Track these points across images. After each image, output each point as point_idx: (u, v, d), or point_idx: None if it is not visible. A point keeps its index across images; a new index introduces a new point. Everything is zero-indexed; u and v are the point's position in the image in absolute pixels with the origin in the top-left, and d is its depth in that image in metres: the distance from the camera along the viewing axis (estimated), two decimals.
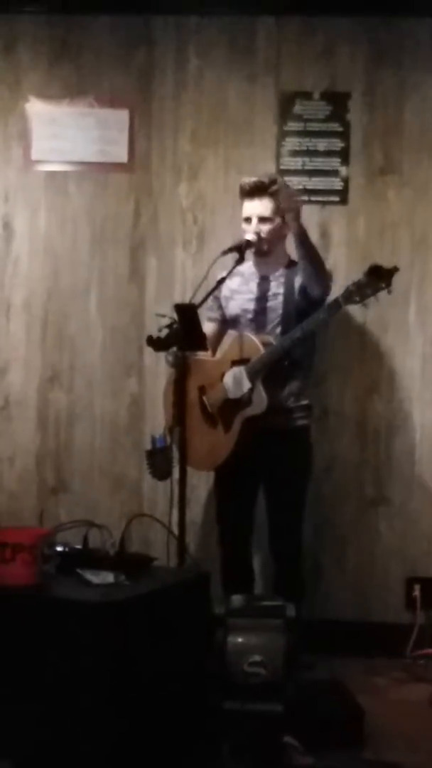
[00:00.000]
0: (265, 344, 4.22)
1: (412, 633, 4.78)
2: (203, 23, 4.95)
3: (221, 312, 4.50)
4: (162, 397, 4.57)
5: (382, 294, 3.99)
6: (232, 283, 4.41)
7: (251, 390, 4.20)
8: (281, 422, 4.28)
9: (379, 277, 3.96)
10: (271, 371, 4.21)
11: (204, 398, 4.39)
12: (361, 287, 4.00)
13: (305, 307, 4.27)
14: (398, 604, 4.91)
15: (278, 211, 4.29)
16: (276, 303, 4.34)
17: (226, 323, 4.48)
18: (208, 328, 4.43)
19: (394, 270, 3.98)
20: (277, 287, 4.36)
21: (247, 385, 4.21)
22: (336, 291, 4.19)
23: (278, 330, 4.31)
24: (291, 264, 4.38)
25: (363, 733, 3.69)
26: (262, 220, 4.30)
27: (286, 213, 4.14)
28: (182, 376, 3.93)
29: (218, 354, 4.45)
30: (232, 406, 4.27)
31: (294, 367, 4.30)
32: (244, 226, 4.34)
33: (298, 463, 4.39)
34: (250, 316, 4.38)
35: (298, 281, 4.32)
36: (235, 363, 4.28)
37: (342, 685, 3.99)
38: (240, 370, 4.23)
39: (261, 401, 4.18)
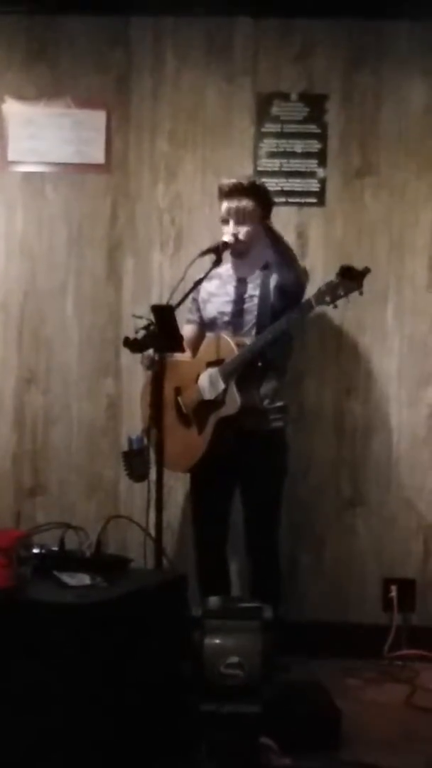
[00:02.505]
0: (239, 345, 4.22)
1: (389, 634, 4.80)
2: (180, 24, 4.95)
3: (200, 314, 4.50)
4: (140, 399, 4.57)
5: (358, 295, 4.01)
6: (209, 286, 4.41)
7: (225, 391, 4.20)
8: (256, 423, 4.28)
9: (350, 278, 3.99)
10: (246, 372, 4.22)
11: (179, 399, 4.39)
12: (333, 288, 4.02)
13: (282, 307, 4.28)
14: (375, 605, 4.92)
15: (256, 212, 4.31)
16: (252, 305, 4.35)
17: (205, 325, 4.49)
18: (188, 330, 4.44)
19: (366, 271, 4.01)
20: (253, 289, 4.36)
21: (221, 386, 4.21)
22: (311, 292, 4.19)
23: (254, 332, 4.31)
24: (267, 265, 4.39)
25: (340, 734, 3.68)
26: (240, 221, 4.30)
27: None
28: (159, 377, 3.91)
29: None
30: (207, 407, 4.27)
31: (269, 368, 4.30)
32: (222, 227, 4.34)
33: (273, 465, 4.39)
34: (227, 318, 4.39)
35: (273, 282, 4.33)
36: (210, 364, 4.28)
37: (319, 686, 4.00)
38: (214, 371, 4.24)
39: (234, 402, 4.19)
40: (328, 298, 4.04)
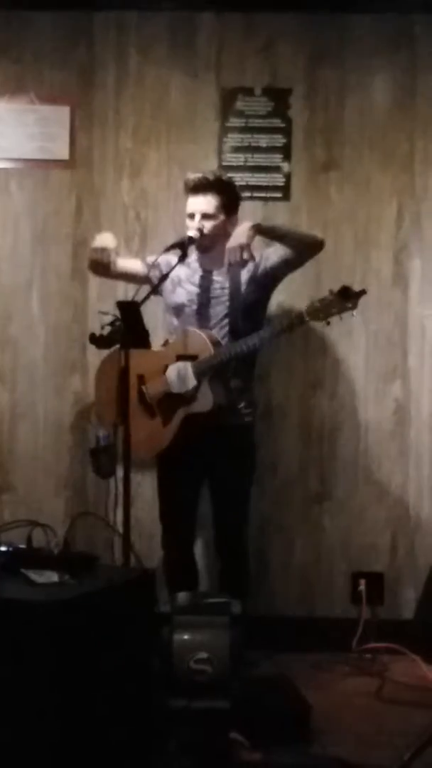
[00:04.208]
0: (213, 343, 4.21)
1: (358, 627, 4.80)
2: (144, 19, 4.94)
3: (159, 284, 4.42)
4: (94, 383, 4.58)
5: (351, 316, 4.04)
6: (180, 270, 4.39)
7: (196, 388, 4.19)
8: (225, 419, 4.27)
9: (346, 298, 3.99)
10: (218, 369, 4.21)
11: (143, 388, 4.37)
12: (328, 305, 4.02)
13: (255, 300, 4.34)
14: (344, 599, 4.93)
15: (221, 207, 4.31)
16: (221, 299, 4.34)
17: (170, 310, 4.46)
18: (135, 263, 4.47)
19: (363, 293, 4.03)
20: (223, 282, 4.35)
21: (192, 382, 4.20)
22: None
23: (224, 323, 4.31)
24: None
25: (310, 728, 3.70)
26: (205, 216, 4.30)
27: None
28: (125, 373, 3.89)
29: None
30: (174, 400, 4.25)
31: (238, 364, 4.29)
32: (188, 222, 4.34)
33: (242, 460, 4.39)
34: (195, 306, 4.37)
35: (245, 276, 4.33)
36: (180, 357, 4.26)
37: (288, 681, 4.00)
38: (185, 366, 4.21)
39: (206, 400, 4.18)
40: (321, 315, 4.04)
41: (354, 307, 4.02)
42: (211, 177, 4.33)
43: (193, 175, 4.35)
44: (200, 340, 4.23)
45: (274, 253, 4.35)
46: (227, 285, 4.34)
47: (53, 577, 3.33)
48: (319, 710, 3.81)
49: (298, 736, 3.63)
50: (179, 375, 4.23)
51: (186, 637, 3.65)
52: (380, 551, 4.96)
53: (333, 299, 4.01)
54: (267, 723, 3.60)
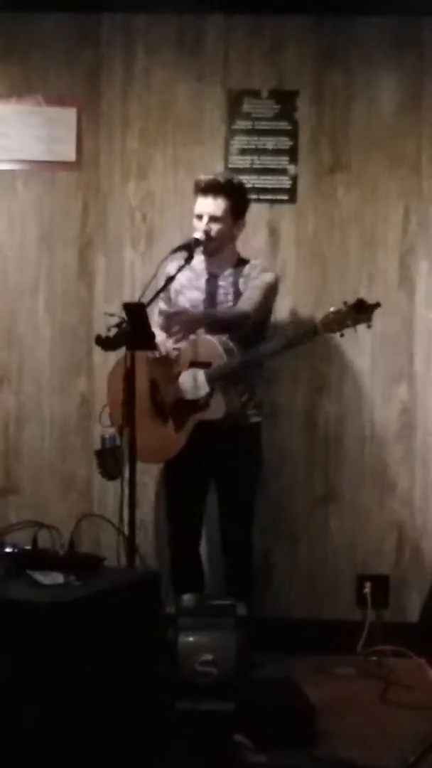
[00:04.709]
0: (226, 350, 4.20)
1: (363, 630, 4.80)
2: (151, 21, 4.93)
3: (171, 304, 4.47)
4: (106, 387, 4.54)
5: (366, 327, 4.07)
6: (182, 278, 4.39)
7: (209, 395, 4.18)
8: (234, 419, 4.27)
9: (360, 311, 4.01)
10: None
11: (156, 393, 4.36)
12: (342, 318, 4.03)
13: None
14: (349, 602, 4.93)
15: (230, 210, 4.31)
16: (225, 305, 4.34)
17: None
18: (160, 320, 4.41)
19: (377, 306, 4.04)
20: (227, 288, 4.35)
21: (205, 389, 4.18)
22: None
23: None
24: (240, 263, 4.38)
25: (315, 730, 3.69)
26: (213, 218, 4.30)
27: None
28: (131, 375, 3.88)
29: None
30: (187, 406, 4.24)
31: (247, 369, 4.29)
32: (195, 223, 4.34)
33: (249, 460, 4.40)
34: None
35: (242, 283, 4.34)
36: (193, 364, 4.25)
37: (293, 683, 4.00)
38: (200, 373, 4.20)
39: (219, 407, 4.18)
40: (335, 327, 4.06)
41: (369, 319, 4.03)
42: (222, 179, 4.34)
43: (205, 177, 4.35)
44: (213, 347, 4.21)
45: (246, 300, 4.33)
46: (231, 291, 4.34)
47: (59, 578, 3.33)
48: (324, 713, 3.80)
49: (303, 739, 3.63)
50: (193, 381, 4.22)
51: (191, 638, 3.65)
52: (385, 554, 4.96)
53: (347, 311, 4.03)
54: (272, 725, 3.60)
